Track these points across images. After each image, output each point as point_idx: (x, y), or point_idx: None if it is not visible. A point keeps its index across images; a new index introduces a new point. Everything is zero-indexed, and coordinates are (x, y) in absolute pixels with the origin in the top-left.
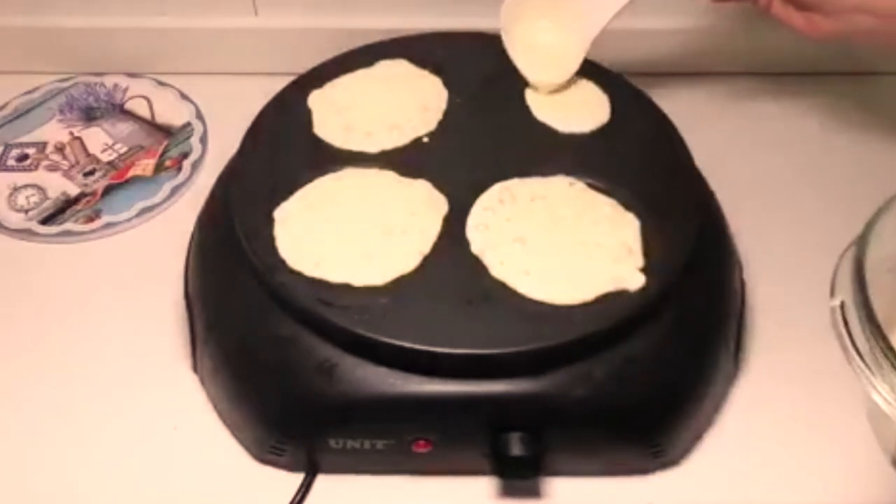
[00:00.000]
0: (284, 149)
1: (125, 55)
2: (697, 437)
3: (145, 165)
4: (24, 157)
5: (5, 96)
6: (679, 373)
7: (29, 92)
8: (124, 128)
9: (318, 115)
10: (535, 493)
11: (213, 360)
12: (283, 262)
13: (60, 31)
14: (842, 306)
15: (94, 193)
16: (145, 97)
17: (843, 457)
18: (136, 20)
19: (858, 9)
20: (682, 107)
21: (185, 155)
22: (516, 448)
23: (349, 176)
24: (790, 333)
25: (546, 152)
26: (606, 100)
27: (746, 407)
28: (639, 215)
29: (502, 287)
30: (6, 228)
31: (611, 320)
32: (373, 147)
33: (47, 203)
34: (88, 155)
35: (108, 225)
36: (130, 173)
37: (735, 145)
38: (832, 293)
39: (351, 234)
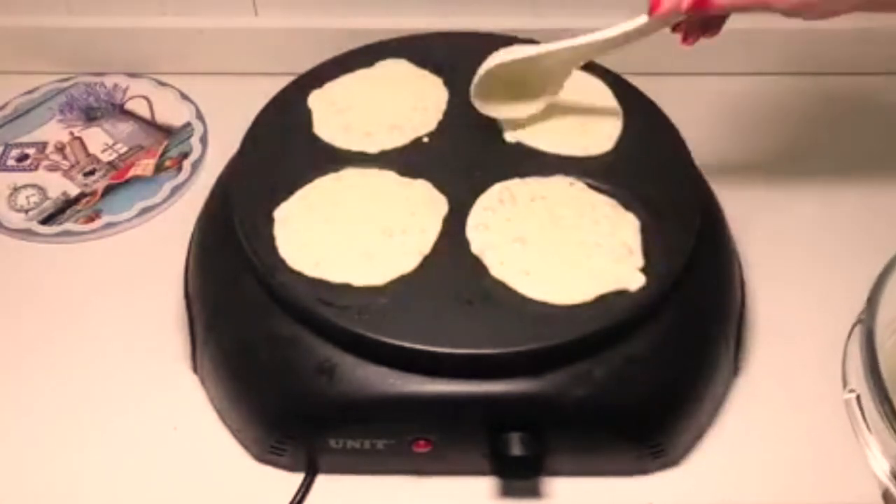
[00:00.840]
0: (284, 149)
1: (125, 55)
2: (697, 437)
3: (145, 165)
4: (25, 157)
5: (5, 96)
6: (679, 373)
7: (29, 92)
8: (124, 128)
9: (318, 115)
10: (535, 493)
11: (213, 360)
12: (283, 261)
13: (60, 31)
14: (857, 399)
15: (94, 193)
16: (145, 97)
17: (842, 457)
18: (136, 20)
19: None
20: (682, 107)
21: (185, 155)
22: (516, 448)
23: (349, 176)
24: (790, 334)
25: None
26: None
27: (746, 407)
28: (639, 215)
29: (502, 287)
30: (6, 228)
31: (611, 320)
32: (373, 147)
33: (47, 203)
34: (88, 155)
35: (108, 225)
36: (130, 173)
37: (735, 145)
38: (844, 383)
39: (351, 234)
